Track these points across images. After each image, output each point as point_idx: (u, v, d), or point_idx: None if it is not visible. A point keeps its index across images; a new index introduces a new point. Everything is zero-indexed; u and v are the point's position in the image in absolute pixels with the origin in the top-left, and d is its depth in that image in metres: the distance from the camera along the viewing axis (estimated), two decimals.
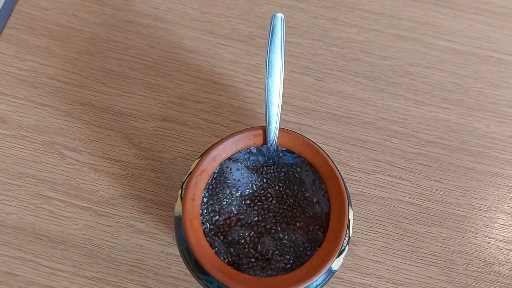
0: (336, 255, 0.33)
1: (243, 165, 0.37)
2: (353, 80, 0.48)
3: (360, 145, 0.46)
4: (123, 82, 0.47)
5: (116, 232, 0.43)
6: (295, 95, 0.47)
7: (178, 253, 0.43)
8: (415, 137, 0.46)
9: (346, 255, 0.40)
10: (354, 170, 0.45)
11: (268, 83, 0.33)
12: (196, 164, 0.35)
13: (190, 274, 0.40)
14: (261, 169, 0.37)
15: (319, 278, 0.34)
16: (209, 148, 0.35)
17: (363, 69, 0.48)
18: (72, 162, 0.45)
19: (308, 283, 0.32)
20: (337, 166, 0.36)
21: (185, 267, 0.41)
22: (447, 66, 0.49)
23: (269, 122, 0.35)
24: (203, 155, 0.35)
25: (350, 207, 0.35)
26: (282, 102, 0.46)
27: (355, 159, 0.46)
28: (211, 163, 0.35)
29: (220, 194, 0.36)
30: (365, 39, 0.49)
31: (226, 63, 0.48)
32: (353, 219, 0.43)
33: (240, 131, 0.36)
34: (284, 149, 0.37)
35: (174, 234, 0.37)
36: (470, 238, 0.44)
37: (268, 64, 0.33)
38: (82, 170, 0.45)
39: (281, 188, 0.37)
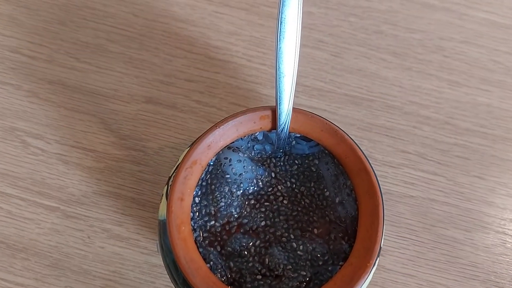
0: (369, 273, 0.25)
1: (245, 155, 0.29)
2: (376, 57, 0.40)
3: (385, 133, 0.38)
4: (99, 57, 0.39)
5: (89, 237, 0.35)
6: (307, 73, 0.40)
7: None
8: (450, 124, 0.39)
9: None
10: (378, 164, 0.37)
11: (280, 47, 0.25)
12: (186, 154, 0.27)
13: None
14: (268, 161, 0.29)
15: None
16: (202, 134, 0.27)
17: (387, 43, 0.41)
18: (36, 152, 0.37)
19: None
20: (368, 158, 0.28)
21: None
22: (486, 41, 0.41)
23: (279, 100, 0.27)
24: (195, 142, 0.27)
25: (383, 215, 0.27)
26: None
27: (379, 150, 0.38)
28: (205, 152, 0.27)
29: (217, 193, 0.28)
30: (389, 9, 0.42)
31: (223, 34, 0.40)
32: None
33: (243, 112, 0.28)
34: (298, 135, 0.29)
35: (158, 242, 0.29)
36: None
37: (281, 22, 0.25)
38: (49, 161, 0.37)
39: (294, 185, 0.29)
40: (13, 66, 0.39)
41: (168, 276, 0.32)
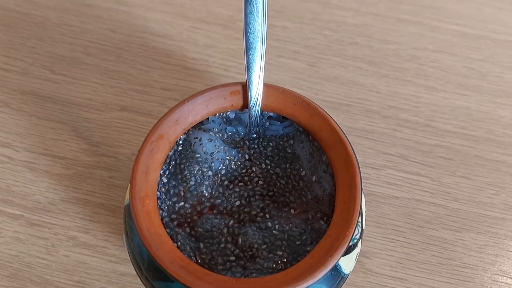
0: (348, 243, 0.23)
1: (217, 136, 0.28)
2: (352, 65, 0.41)
3: (365, 136, 0.38)
4: (75, 69, 0.39)
5: (53, 246, 0.33)
6: (284, 81, 0.40)
7: (134, 273, 0.32)
8: (430, 126, 0.38)
9: (358, 259, 0.30)
10: (360, 165, 0.36)
11: (246, 12, 0.25)
12: (152, 128, 0.26)
13: None
14: (241, 143, 0.28)
15: (324, 280, 0.24)
16: (170, 109, 0.26)
17: (362, 53, 0.41)
18: (3, 160, 0.35)
19: (310, 283, 0.22)
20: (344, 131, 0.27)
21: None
22: (459, 50, 0.42)
23: (249, 72, 0.26)
24: (162, 117, 0.26)
25: (361, 187, 0.25)
26: None
27: (360, 153, 0.37)
28: (173, 127, 0.26)
29: (186, 172, 0.26)
30: (363, 23, 0.43)
31: (200, 47, 0.41)
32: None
33: (212, 88, 0.27)
34: (271, 114, 0.28)
35: (124, 233, 0.27)
36: None
37: None
38: (16, 169, 0.35)
39: (268, 167, 0.28)
40: None
41: (139, 283, 0.29)
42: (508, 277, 0.33)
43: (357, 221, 0.24)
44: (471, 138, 0.38)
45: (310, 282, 0.22)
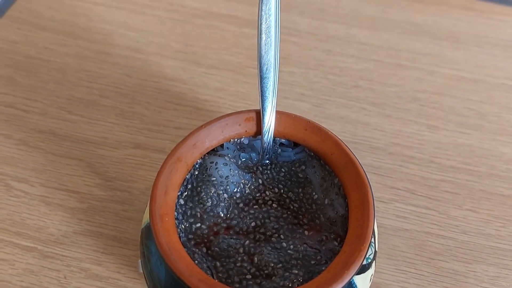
0: (363, 258, 0.24)
1: (232, 161, 0.29)
2: (356, 106, 0.42)
3: (372, 171, 0.39)
4: (92, 110, 0.41)
5: (65, 278, 0.33)
6: None
7: None
8: (435, 162, 0.39)
9: (372, 279, 0.30)
10: None
11: (261, 44, 0.27)
12: (171, 151, 0.27)
13: None
14: (255, 169, 0.29)
15: None
16: (188, 134, 0.28)
17: (365, 95, 0.43)
18: (19, 195, 0.36)
19: None
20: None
21: None
22: (458, 92, 0.44)
23: (263, 100, 0.28)
24: (180, 141, 0.27)
25: (373, 205, 0.26)
26: None
27: None
28: (191, 151, 0.27)
29: (203, 194, 0.27)
30: (364, 68, 0.45)
31: (212, 90, 0.43)
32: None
33: (228, 114, 0.29)
34: (283, 141, 0.29)
35: (140, 256, 0.27)
36: None
37: (261, 22, 0.27)
38: (31, 203, 0.36)
39: (281, 191, 0.28)
40: (6, 118, 0.40)
41: None
42: None
43: (371, 240, 0.25)
44: (475, 173, 0.39)
45: None
